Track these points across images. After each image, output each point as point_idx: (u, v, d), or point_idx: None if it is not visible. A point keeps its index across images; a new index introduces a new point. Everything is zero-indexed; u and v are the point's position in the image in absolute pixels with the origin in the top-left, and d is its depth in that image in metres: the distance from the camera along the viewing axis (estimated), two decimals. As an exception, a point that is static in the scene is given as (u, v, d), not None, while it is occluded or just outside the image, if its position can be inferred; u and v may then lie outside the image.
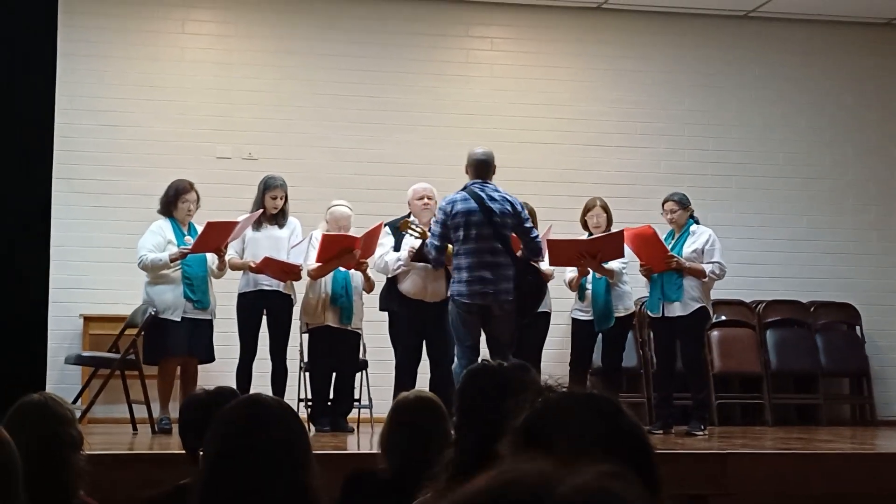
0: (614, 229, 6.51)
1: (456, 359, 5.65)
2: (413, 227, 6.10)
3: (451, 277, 6.20)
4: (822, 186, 8.55)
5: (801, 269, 8.41)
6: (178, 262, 6.19)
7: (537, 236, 5.79)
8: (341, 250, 6.19)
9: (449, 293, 5.72)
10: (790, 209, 8.48)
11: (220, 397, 2.74)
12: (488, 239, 5.57)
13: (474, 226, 5.56)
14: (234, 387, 6.01)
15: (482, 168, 5.70)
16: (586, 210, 6.56)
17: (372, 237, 6.23)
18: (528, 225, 5.74)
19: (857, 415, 8.26)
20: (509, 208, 5.63)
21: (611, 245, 6.25)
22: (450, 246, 5.75)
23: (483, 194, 5.61)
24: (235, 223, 6.21)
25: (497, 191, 5.68)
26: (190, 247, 6.17)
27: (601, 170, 8.15)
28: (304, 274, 6.35)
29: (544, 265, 6.24)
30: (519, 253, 5.76)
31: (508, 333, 5.67)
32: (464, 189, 5.69)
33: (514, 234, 5.71)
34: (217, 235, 6.15)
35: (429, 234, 5.93)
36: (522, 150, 8.03)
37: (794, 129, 8.57)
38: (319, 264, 6.25)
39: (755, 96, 8.55)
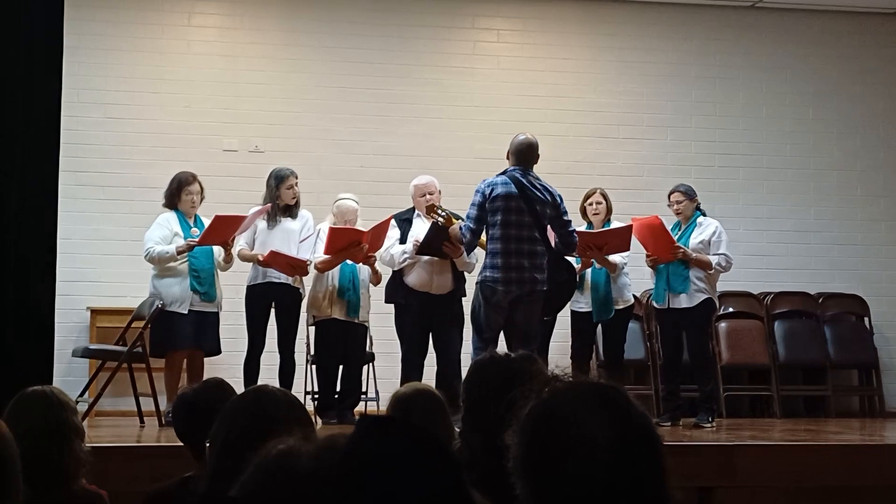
0: (618, 222, 6.51)
1: (473, 349, 5.51)
2: (439, 212, 5.92)
3: (457, 270, 6.21)
4: (830, 177, 8.51)
5: (809, 261, 8.38)
6: (185, 254, 6.19)
7: (574, 231, 5.64)
8: (350, 243, 6.18)
9: (478, 279, 5.53)
10: (798, 200, 8.44)
11: (209, 391, 2.73)
12: (527, 227, 5.41)
13: (514, 212, 5.39)
14: (243, 379, 6.07)
15: (525, 155, 5.49)
16: (586, 198, 6.57)
17: (380, 231, 6.21)
18: (567, 218, 5.60)
19: (866, 406, 8.23)
20: (549, 198, 5.49)
21: (618, 238, 6.24)
22: (483, 238, 5.57)
23: (524, 181, 5.45)
24: (243, 217, 6.21)
25: (539, 180, 5.52)
26: (197, 239, 6.17)
27: (607, 162, 8.12)
28: (311, 268, 6.35)
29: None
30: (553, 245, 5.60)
31: (535, 325, 5.50)
32: (504, 173, 5.49)
33: (550, 226, 5.55)
34: (225, 229, 6.14)
35: (455, 220, 5.83)
36: (529, 142, 8.01)
37: (802, 120, 8.53)
38: (327, 257, 6.24)
39: (762, 87, 8.51)
